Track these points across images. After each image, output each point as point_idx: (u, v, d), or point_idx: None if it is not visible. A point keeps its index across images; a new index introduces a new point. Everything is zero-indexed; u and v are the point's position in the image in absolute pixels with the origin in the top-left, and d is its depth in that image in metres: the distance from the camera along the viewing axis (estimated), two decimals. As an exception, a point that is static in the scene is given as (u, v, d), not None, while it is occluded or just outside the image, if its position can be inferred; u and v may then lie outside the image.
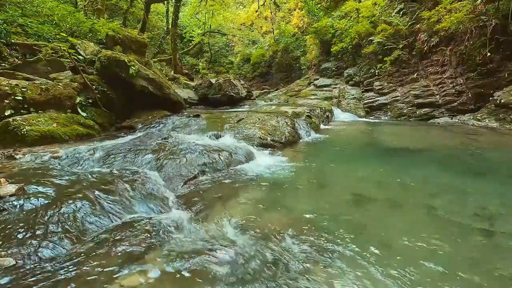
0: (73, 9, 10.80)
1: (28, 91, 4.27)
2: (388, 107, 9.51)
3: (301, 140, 5.19)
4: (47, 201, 1.90)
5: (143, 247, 1.61)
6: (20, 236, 1.58)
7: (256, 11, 20.56)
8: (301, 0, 16.05)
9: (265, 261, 1.55)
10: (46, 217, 1.74)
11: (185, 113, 6.27)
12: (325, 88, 11.95)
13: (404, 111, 9.05)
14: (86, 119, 4.69)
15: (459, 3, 8.07)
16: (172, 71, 14.39)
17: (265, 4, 19.15)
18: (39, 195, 1.96)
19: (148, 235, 1.74)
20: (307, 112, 6.65)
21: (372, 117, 9.58)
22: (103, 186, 2.24)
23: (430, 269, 1.53)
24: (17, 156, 3.06)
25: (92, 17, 11.38)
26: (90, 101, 5.04)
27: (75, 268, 1.40)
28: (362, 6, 11.43)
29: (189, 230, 1.87)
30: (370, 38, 10.47)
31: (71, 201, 1.92)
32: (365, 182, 3.04)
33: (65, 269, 1.39)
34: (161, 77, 6.50)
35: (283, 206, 2.32)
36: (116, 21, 12.40)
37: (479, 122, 7.12)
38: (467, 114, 7.83)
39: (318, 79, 12.85)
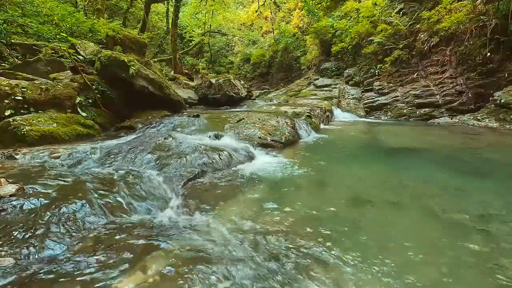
0: (73, 9, 10.81)
1: (28, 91, 4.27)
2: (388, 107, 9.51)
3: (301, 140, 5.19)
4: (47, 201, 1.90)
5: (143, 246, 1.61)
6: (20, 236, 1.57)
7: (256, 11, 20.57)
8: (301, 0, 16.06)
9: (264, 261, 1.55)
10: (46, 217, 1.74)
11: (185, 113, 6.27)
12: (325, 88, 11.95)
13: (404, 111, 9.06)
14: (86, 119, 4.69)
15: (459, 3, 8.09)
16: (172, 71, 14.39)
17: (265, 4, 19.14)
18: (39, 195, 1.96)
19: (148, 235, 1.74)
20: (307, 112, 6.65)
21: (372, 117, 9.58)
22: (103, 186, 2.24)
23: (430, 269, 1.53)
24: (17, 156, 3.06)
25: (92, 17, 11.39)
26: (90, 101, 5.05)
27: (75, 268, 1.40)
28: (362, 6, 11.44)
29: (188, 229, 1.87)
30: (370, 38, 10.48)
31: (71, 201, 1.92)
32: (365, 182, 3.04)
33: (65, 269, 1.39)
34: (161, 77, 6.50)
35: (283, 206, 2.32)
36: (116, 21, 12.42)
37: (479, 122, 7.12)
38: (467, 114, 7.83)
39: (318, 79, 12.85)
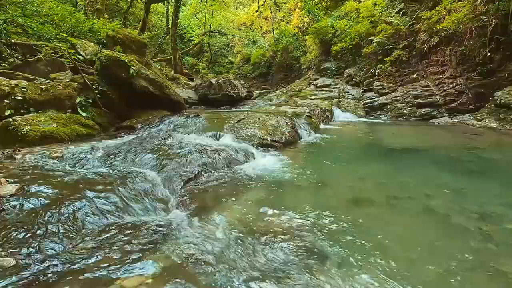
0: (73, 9, 10.81)
1: (28, 91, 4.26)
2: (388, 107, 9.51)
3: (301, 140, 5.19)
4: (47, 201, 1.90)
5: (143, 247, 1.61)
6: (20, 236, 1.58)
7: (256, 11, 20.56)
8: (301, 0, 16.06)
9: (263, 262, 1.55)
10: (46, 217, 1.74)
11: (185, 113, 6.27)
12: (325, 88, 11.95)
13: (404, 111, 9.05)
14: (86, 119, 4.69)
15: (459, 3, 8.08)
16: (172, 71, 14.40)
17: (265, 4, 19.14)
18: (39, 195, 1.96)
19: (148, 235, 1.74)
20: (307, 112, 6.65)
21: (372, 117, 9.58)
22: (103, 186, 2.24)
23: (430, 269, 1.53)
24: (17, 156, 3.06)
25: (92, 17, 11.39)
26: (90, 101, 5.04)
27: (75, 268, 1.40)
28: (362, 6, 11.43)
29: (188, 230, 1.87)
30: (370, 38, 10.47)
31: (71, 201, 1.92)
32: (365, 182, 3.04)
33: (65, 269, 1.39)
34: (161, 77, 6.50)
35: (283, 206, 2.32)
36: (116, 21, 12.41)
37: (479, 122, 7.12)
38: (467, 114, 7.83)
39: (318, 79, 12.85)
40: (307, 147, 4.79)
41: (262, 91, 14.99)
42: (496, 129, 6.44)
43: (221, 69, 21.22)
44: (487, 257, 1.65)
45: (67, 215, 1.80)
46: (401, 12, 10.17)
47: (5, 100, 4.01)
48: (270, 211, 2.19)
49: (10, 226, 1.63)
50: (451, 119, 8.07)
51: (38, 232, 1.62)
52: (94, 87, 5.18)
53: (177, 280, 1.36)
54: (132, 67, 5.33)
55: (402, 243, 1.77)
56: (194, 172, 2.92)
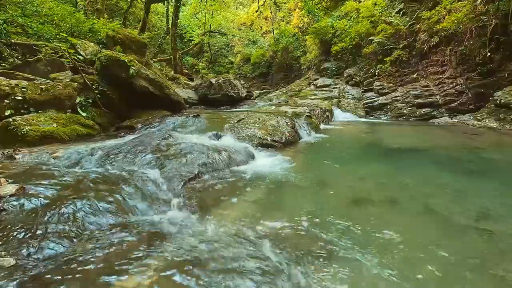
0: (73, 9, 10.81)
1: (28, 91, 4.27)
2: (388, 107, 9.51)
3: (301, 140, 5.18)
4: (47, 201, 1.90)
5: (143, 247, 1.61)
6: (20, 236, 1.58)
7: (256, 11, 20.56)
8: (301, 0, 16.06)
9: (263, 262, 1.54)
10: (46, 217, 1.74)
11: (185, 113, 6.27)
12: (325, 88, 11.96)
13: (404, 111, 9.06)
14: (86, 119, 4.69)
15: (459, 3, 8.08)
16: (172, 71, 14.41)
17: (265, 4, 19.15)
18: (39, 195, 1.96)
19: (148, 235, 1.74)
20: (307, 112, 6.65)
21: (372, 117, 9.58)
22: (102, 187, 2.24)
23: (429, 270, 1.53)
24: (17, 156, 3.06)
25: (92, 17, 11.39)
26: (90, 101, 5.04)
27: (75, 268, 1.40)
28: (362, 6, 11.44)
29: (188, 230, 1.87)
30: (370, 38, 10.47)
31: (71, 201, 1.92)
32: (365, 182, 3.03)
33: (65, 269, 1.39)
34: (161, 77, 6.50)
35: (283, 206, 2.32)
36: (116, 21, 12.41)
37: (479, 122, 7.12)
38: (467, 114, 7.84)
39: (318, 79, 12.85)
40: (307, 147, 4.79)
41: (262, 91, 15.00)
42: (496, 129, 6.44)
43: (221, 69, 21.22)
44: (487, 257, 1.65)
45: (67, 215, 1.80)
46: (401, 12, 10.17)
47: (5, 100, 4.01)
48: (270, 211, 2.19)
49: (10, 226, 1.63)
50: (451, 119, 8.07)
51: (38, 232, 1.62)
52: (94, 87, 5.18)
53: (177, 279, 1.36)
54: (132, 67, 5.33)
55: (402, 243, 1.77)
56: (194, 172, 2.92)
